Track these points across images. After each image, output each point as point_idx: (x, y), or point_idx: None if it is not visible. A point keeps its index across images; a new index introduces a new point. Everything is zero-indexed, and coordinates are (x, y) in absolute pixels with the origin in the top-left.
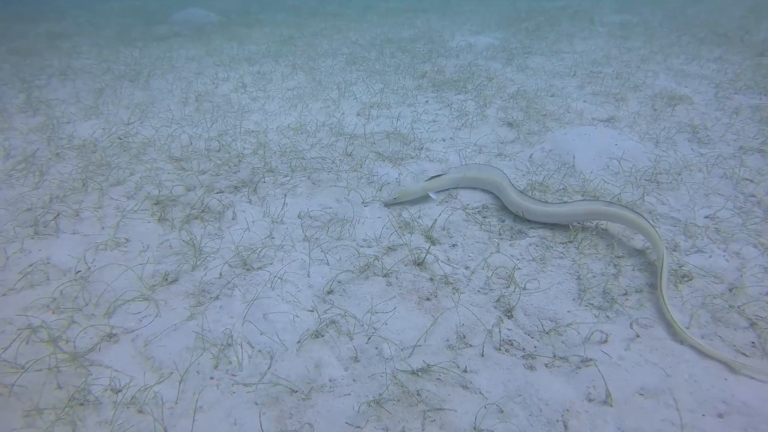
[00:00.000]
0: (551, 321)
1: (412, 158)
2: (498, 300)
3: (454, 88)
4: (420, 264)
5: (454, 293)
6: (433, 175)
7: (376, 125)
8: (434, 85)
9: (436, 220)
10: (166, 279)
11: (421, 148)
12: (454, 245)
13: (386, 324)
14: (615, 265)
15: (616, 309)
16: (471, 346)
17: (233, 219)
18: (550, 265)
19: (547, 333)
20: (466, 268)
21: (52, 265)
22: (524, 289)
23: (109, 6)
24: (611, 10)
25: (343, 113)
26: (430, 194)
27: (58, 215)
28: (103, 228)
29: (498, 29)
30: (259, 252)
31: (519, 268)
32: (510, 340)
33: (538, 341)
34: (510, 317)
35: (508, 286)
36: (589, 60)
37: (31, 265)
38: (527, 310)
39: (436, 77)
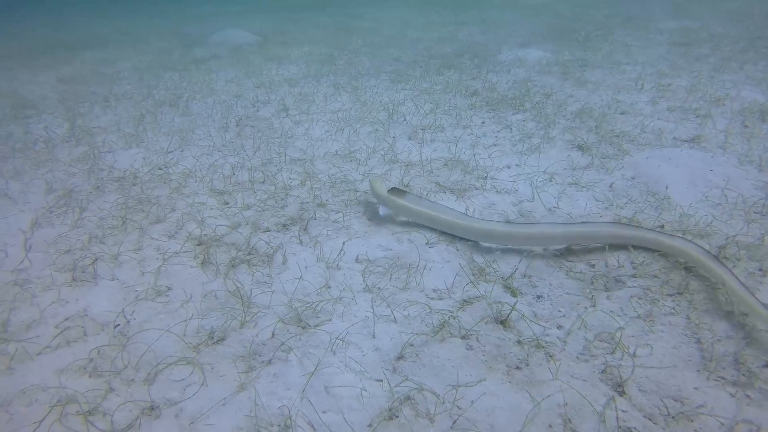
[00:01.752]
0: (676, 401)
1: (477, 189)
2: (604, 371)
3: (511, 107)
4: (504, 322)
5: (549, 360)
6: (398, 189)
7: (432, 151)
8: (488, 104)
9: (516, 267)
10: (212, 337)
11: (485, 177)
12: (539, 297)
13: (473, 403)
14: (743, 326)
15: (759, 387)
16: None
17: (284, 264)
18: (660, 324)
19: (673, 418)
20: (559, 327)
21: (89, 318)
22: (634, 355)
23: (148, 30)
24: (666, 16)
25: (394, 137)
26: (380, 207)
27: (96, 260)
28: (142, 274)
29: (546, 41)
30: (316, 306)
31: (623, 328)
32: (629, 429)
33: (664, 430)
34: (622, 394)
35: (613, 352)
36: (654, 71)
37: (67, 319)
38: (642, 384)
39: (489, 95)
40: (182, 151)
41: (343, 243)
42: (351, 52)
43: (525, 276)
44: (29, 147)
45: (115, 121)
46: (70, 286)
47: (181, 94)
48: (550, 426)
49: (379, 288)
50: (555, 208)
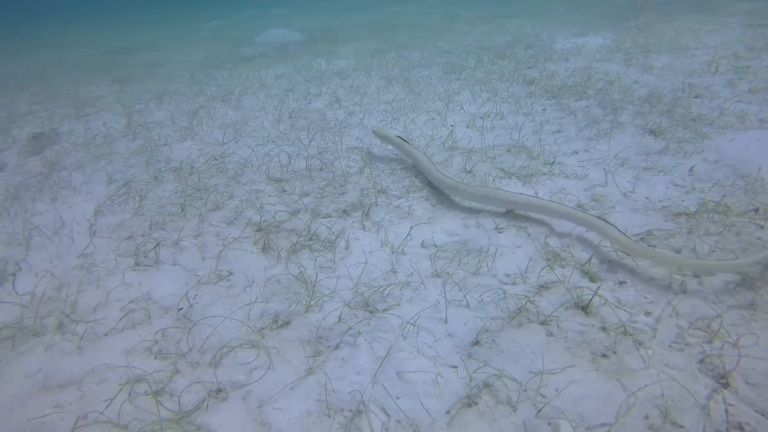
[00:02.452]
0: None
1: (544, 174)
2: (702, 361)
3: (573, 94)
4: (585, 308)
5: (638, 349)
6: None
7: (494, 137)
8: (548, 92)
9: (592, 256)
10: (276, 322)
11: (552, 162)
12: (621, 283)
13: (558, 390)
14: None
15: None
16: (682, 427)
17: (347, 249)
18: (764, 312)
19: None
20: (647, 314)
21: (153, 302)
22: (738, 345)
23: (196, 35)
24: None
25: (452, 125)
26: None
27: (158, 244)
28: (203, 258)
29: (603, 29)
30: (383, 291)
31: (721, 316)
32: (739, 424)
33: None
34: (726, 386)
35: (711, 341)
36: (729, 54)
37: (132, 302)
38: (749, 377)
39: (548, 83)
40: (237, 142)
41: (411, 227)
42: (399, 47)
43: (604, 261)
44: (89, 142)
45: (169, 116)
46: (134, 270)
47: (233, 90)
48: (646, 417)
49: (448, 273)
50: (630, 192)
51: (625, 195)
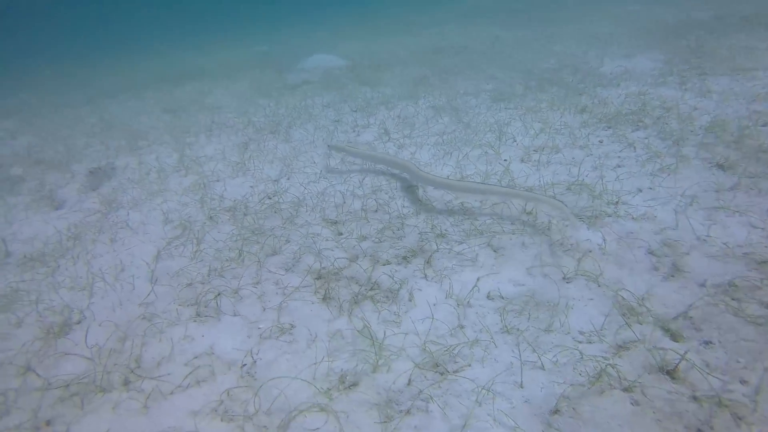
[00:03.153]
0: None
1: (610, 216)
2: None
3: (629, 124)
4: (671, 373)
5: (739, 425)
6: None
7: (551, 174)
8: (602, 120)
9: (680, 313)
10: (344, 382)
11: (617, 202)
12: (707, 343)
13: None
14: None
15: None
16: None
17: (410, 300)
18: None
19: None
20: (743, 382)
21: (216, 357)
22: None
23: (242, 61)
24: None
25: (507, 160)
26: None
27: (218, 294)
28: (264, 309)
29: (652, 49)
30: (452, 350)
31: None
32: None
33: None
34: None
35: None
36: None
37: (196, 357)
38: None
39: (601, 110)
40: (288, 179)
41: (478, 279)
42: (444, 71)
43: (685, 317)
44: (144, 178)
45: (220, 149)
46: (195, 321)
47: (281, 121)
48: None
49: (518, 329)
50: (706, 237)
51: (699, 239)
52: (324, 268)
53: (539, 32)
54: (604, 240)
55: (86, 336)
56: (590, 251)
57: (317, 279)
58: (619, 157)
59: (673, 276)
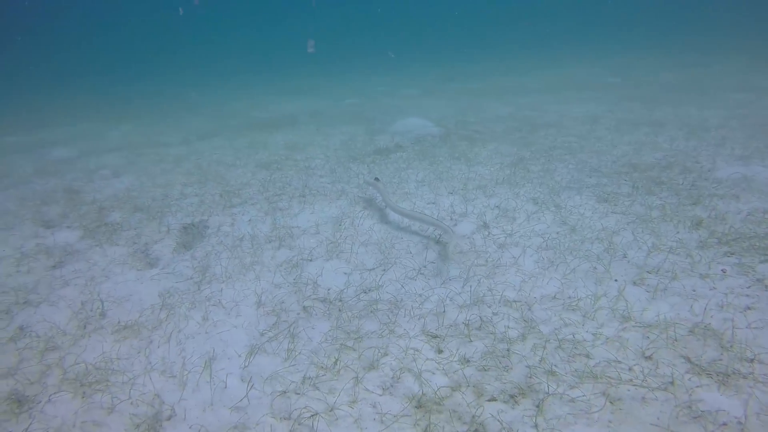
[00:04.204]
0: None
1: (745, 378)
2: None
3: (756, 252)
4: None
5: None
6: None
7: (668, 306)
8: (722, 242)
9: None
10: None
11: (753, 360)
12: None
13: None
14: None
15: None
16: None
17: None
18: None
19: None
20: None
21: None
22: None
23: (333, 113)
24: None
25: (617, 281)
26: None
27: (315, 414)
28: None
29: None
30: None
31: None
32: None
33: None
34: None
35: None
36: None
37: None
38: None
39: (720, 229)
40: (384, 271)
41: None
42: (542, 154)
43: None
44: (237, 245)
45: (314, 222)
46: None
47: (375, 195)
48: None
49: None
50: None
51: None
52: (425, 394)
53: (640, 115)
54: (745, 413)
55: None
56: (725, 424)
57: (417, 408)
58: (747, 295)
59: None
